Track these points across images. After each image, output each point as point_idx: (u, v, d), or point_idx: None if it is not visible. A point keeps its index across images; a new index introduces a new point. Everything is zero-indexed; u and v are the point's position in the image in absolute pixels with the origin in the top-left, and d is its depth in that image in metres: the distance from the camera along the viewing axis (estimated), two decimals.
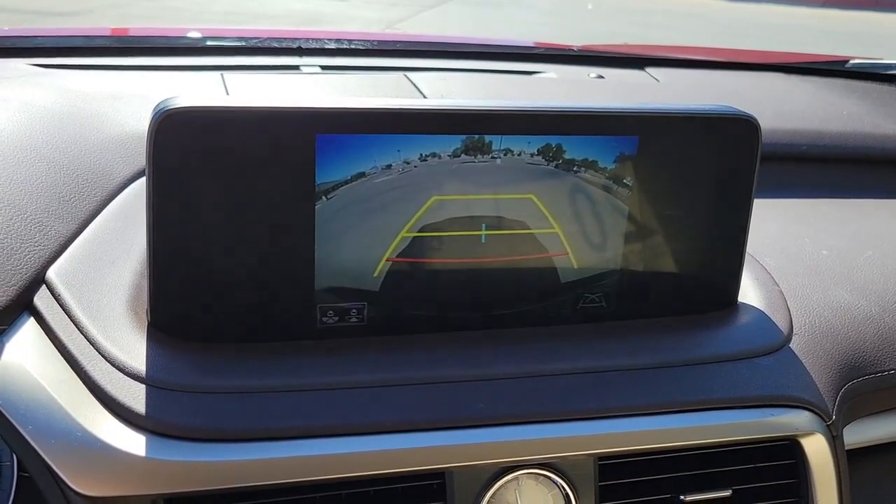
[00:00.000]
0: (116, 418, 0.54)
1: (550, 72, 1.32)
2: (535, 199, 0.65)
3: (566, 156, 0.64)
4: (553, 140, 0.63)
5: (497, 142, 0.62)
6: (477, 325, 0.66)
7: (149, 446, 0.53)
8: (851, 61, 1.51)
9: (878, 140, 1.18)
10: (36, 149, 0.72)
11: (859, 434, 0.75)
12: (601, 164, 0.65)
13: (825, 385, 0.69)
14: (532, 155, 0.63)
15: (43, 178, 0.68)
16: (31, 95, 0.85)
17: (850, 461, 0.71)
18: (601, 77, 1.30)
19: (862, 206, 1.09)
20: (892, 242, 0.94)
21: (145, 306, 0.60)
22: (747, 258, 0.76)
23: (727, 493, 0.66)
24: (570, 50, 1.42)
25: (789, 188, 1.11)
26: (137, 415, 0.53)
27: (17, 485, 0.56)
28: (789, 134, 1.13)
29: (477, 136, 0.61)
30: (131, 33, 1.29)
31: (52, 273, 0.61)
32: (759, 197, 1.03)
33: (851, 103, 1.29)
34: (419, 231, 0.62)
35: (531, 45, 1.49)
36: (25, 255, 0.60)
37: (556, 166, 0.64)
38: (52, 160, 0.71)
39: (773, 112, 1.17)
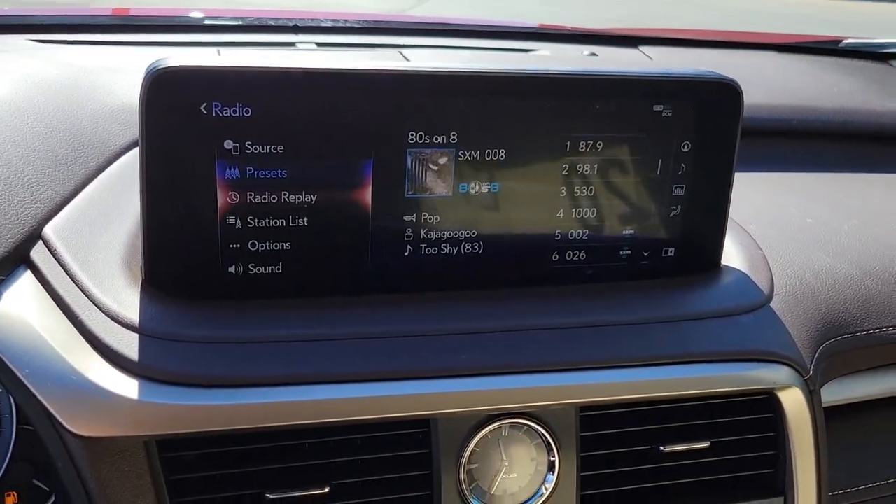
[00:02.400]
0: (110, 364, 0.56)
1: (544, 49, 1.33)
2: (523, 159, 0.66)
3: (549, 118, 0.65)
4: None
5: None
6: (466, 285, 0.68)
7: (140, 390, 0.55)
8: (845, 41, 1.51)
9: (868, 115, 1.19)
10: (33, 115, 0.74)
11: (837, 393, 0.76)
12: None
13: (804, 342, 0.71)
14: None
15: (40, 143, 0.70)
16: (30, 67, 0.87)
17: (828, 421, 0.72)
18: (594, 55, 1.31)
19: (849, 180, 1.10)
20: (877, 213, 0.96)
21: (140, 264, 0.62)
22: (732, 225, 0.77)
23: (706, 444, 0.68)
24: (563, 29, 1.43)
25: (778, 162, 1.12)
26: (130, 361, 0.55)
27: (16, 434, 0.58)
28: (779, 109, 1.14)
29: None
30: (131, 12, 1.31)
31: (48, 230, 0.62)
32: (747, 170, 1.05)
33: (842, 80, 1.30)
34: (412, 193, 0.64)
35: (526, 24, 1.50)
36: (22, 212, 0.62)
37: (540, 128, 0.66)
38: (50, 126, 0.73)
39: (764, 87, 1.18)
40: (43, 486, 0.58)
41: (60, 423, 0.54)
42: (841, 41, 1.51)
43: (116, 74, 0.91)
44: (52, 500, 0.58)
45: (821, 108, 1.17)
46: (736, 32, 1.64)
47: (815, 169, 1.13)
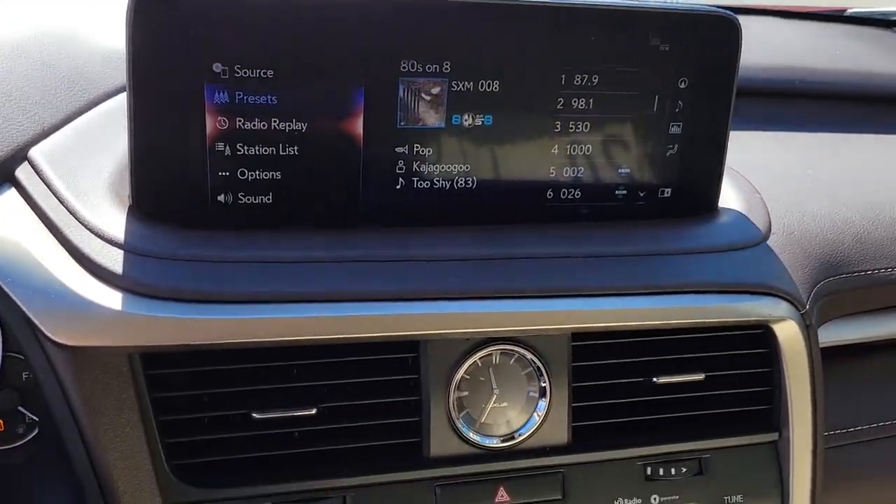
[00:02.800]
0: (94, 277, 0.55)
1: None
2: (517, 91, 0.65)
3: (544, 50, 0.65)
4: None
5: None
6: (459, 221, 0.67)
7: (124, 302, 0.54)
8: (850, 10, 1.50)
9: (870, 78, 1.18)
10: (25, 49, 0.73)
11: (834, 335, 0.76)
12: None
13: (801, 279, 0.70)
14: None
15: (31, 73, 0.69)
16: (24, 10, 0.86)
17: (825, 363, 0.72)
18: None
19: (851, 140, 1.09)
20: (878, 169, 0.95)
21: (128, 191, 0.62)
22: (730, 171, 0.76)
23: (700, 377, 0.67)
24: None
25: (781, 122, 1.11)
26: (114, 274, 0.55)
27: (2, 361, 0.57)
28: (782, 70, 1.13)
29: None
30: None
31: (34, 152, 0.62)
32: (750, 129, 1.04)
33: (846, 44, 1.29)
34: (404, 123, 0.63)
35: None
36: (8, 133, 0.62)
37: (534, 60, 0.65)
38: (42, 60, 0.73)
39: (768, 49, 1.17)
40: (29, 414, 0.58)
41: (43, 333, 0.54)
42: (845, 10, 1.50)
43: (113, 20, 0.90)
44: (38, 428, 0.58)
45: (823, 70, 1.16)
46: None
47: (818, 129, 1.12)
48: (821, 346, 0.71)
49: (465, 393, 0.63)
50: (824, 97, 1.16)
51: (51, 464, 0.57)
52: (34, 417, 0.59)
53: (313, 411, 0.60)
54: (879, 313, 0.78)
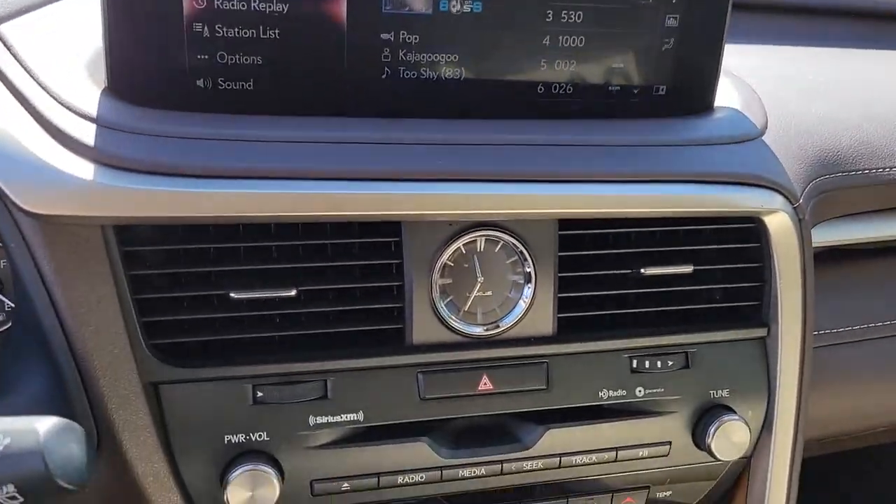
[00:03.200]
0: (66, 149, 0.54)
1: None
2: None
3: None
4: None
5: None
6: (447, 114, 0.65)
7: (96, 173, 0.53)
8: None
9: None
10: None
11: (827, 235, 0.75)
12: None
13: (796, 175, 0.68)
14: None
15: None
16: None
17: (818, 264, 0.70)
18: None
19: (855, 53, 1.06)
20: (882, 80, 0.93)
21: (103, 75, 0.60)
22: (727, 73, 0.74)
23: (688, 269, 0.66)
24: None
25: (783, 36, 1.09)
26: (86, 146, 0.54)
27: None
28: None
29: None
30: None
31: (4, 28, 0.60)
32: (751, 42, 1.02)
33: None
34: (390, 8, 0.61)
35: None
36: None
37: None
38: None
39: None
40: (8, 301, 0.58)
41: (14, 203, 0.53)
42: None
43: None
44: (15, 314, 0.58)
45: None
46: None
47: (821, 44, 1.10)
48: (814, 246, 0.70)
49: (449, 280, 0.62)
50: (828, 13, 1.13)
51: (28, 347, 0.56)
52: (11, 305, 0.58)
53: (293, 292, 0.59)
54: (874, 215, 0.77)
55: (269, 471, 0.59)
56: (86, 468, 0.44)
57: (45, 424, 0.44)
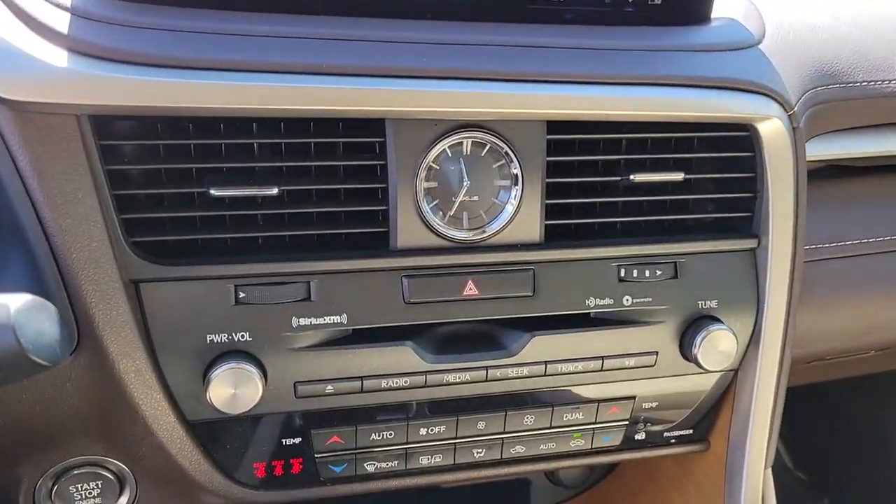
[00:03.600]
0: (39, 36, 0.52)
1: None
2: None
3: None
4: None
5: None
6: (440, 15, 0.62)
7: (70, 61, 0.52)
8: None
9: None
10: None
11: (822, 150, 0.73)
12: None
13: (792, 84, 0.67)
14: None
15: None
16: None
17: (812, 181, 0.69)
18: None
19: None
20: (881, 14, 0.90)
21: None
22: None
23: (678, 177, 0.65)
24: None
25: None
26: (59, 34, 0.52)
27: None
28: None
29: None
30: None
31: None
32: None
33: None
34: None
35: None
36: None
37: None
38: None
39: None
40: None
41: None
42: None
43: None
44: None
45: None
46: None
47: None
48: (808, 161, 0.68)
49: (435, 184, 0.61)
50: None
51: (4, 241, 0.55)
52: None
53: (274, 191, 0.58)
54: (869, 130, 0.75)
55: (252, 370, 0.59)
56: (58, 345, 0.44)
57: (16, 301, 0.43)
